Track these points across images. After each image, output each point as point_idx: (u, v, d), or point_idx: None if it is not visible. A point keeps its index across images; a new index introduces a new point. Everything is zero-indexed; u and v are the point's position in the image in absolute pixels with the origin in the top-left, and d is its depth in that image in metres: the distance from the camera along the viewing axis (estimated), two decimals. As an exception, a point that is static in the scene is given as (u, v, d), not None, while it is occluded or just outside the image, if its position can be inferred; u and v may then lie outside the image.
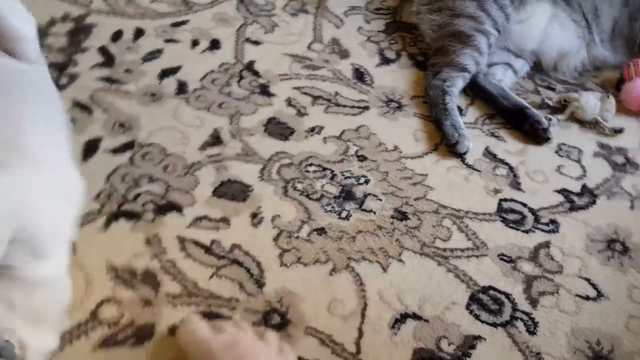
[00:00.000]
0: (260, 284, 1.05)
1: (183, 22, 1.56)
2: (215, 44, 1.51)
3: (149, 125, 1.29)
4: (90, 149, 1.22)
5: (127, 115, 1.30)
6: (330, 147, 1.30)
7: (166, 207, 1.14)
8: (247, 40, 1.54)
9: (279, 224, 1.14)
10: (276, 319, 1.01)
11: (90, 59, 1.42)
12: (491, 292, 1.06)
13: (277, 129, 1.32)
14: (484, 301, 1.05)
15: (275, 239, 1.12)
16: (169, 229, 1.11)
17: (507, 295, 1.06)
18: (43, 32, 1.47)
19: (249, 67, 1.46)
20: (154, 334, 0.97)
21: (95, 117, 1.29)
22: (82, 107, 1.30)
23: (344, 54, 1.54)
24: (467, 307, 1.03)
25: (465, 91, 1.44)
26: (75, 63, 1.40)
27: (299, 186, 1.21)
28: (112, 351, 0.95)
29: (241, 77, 1.43)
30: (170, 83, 1.39)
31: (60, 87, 1.34)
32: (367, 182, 1.23)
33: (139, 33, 1.51)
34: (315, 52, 1.53)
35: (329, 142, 1.31)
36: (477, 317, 1.02)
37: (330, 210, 1.17)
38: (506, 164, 1.29)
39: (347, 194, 1.21)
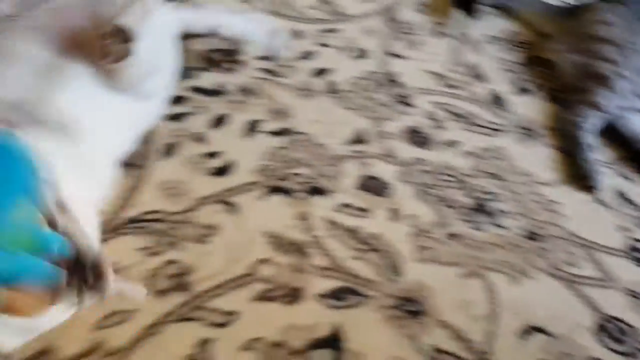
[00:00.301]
0: (397, 272, 1.13)
1: (335, 30, 1.68)
2: (362, 53, 1.62)
3: (302, 116, 1.40)
4: (252, 128, 1.34)
5: (283, 104, 1.42)
6: (466, 161, 1.38)
7: (315, 190, 1.24)
8: (392, 53, 1.64)
9: (415, 223, 1.23)
10: (411, 307, 1.08)
11: (253, 51, 1.55)
12: (618, 322, 1.11)
13: (416, 137, 1.41)
14: (610, 329, 1.09)
15: (413, 235, 1.20)
16: (317, 209, 1.21)
17: (634, 328, 1.10)
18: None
19: (392, 78, 1.56)
20: (304, 297, 1.06)
21: (256, 101, 1.41)
22: (245, 91, 1.43)
23: (481, 78, 1.62)
24: (594, 332, 1.08)
25: (600, 132, 1.49)
26: (241, 52, 1.54)
27: (435, 192, 1.29)
28: (267, 304, 1.04)
29: (385, 86, 1.53)
30: (322, 82, 1.50)
31: (228, 71, 1.47)
32: (500, 199, 1.30)
33: (295, 34, 1.64)
34: (455, 73, 1.62)
35: (465, 157, 1.39)
36: (602, 342, 1.07)
37: (464, 220, 1.25)
38: (636, 205, 1.33)
39: (480, 208, 1.28)
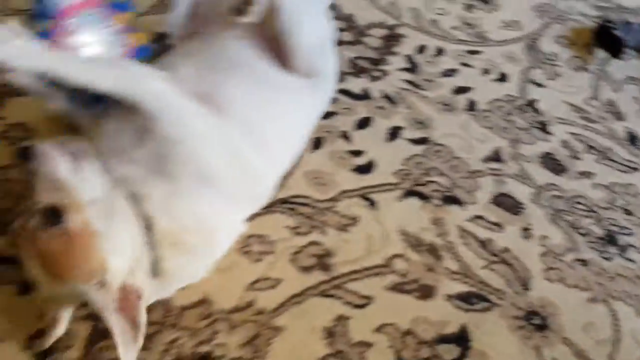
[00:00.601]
0: (526, 287, 1.17)
1: (477, 52, 1.74)
2: (502, 77, 1.67)
3: (441, 128, 1.47)
4: (393, 133, 1.43)
5: (424, 115, 1.50)
6: (599, 193, 1.39)
7: (450, 199, 1.31)
8: (531, 81, 1.68)
9: (546, 244, 1.26)
10: (537, 320, 1.12)
11: (398, 62, 1.64)
12: None
13: (551, 163, 1.45)
14: None
15: (542, 255, 1.24)
16: (451, 216, 1.27)
17: None
18: (362, 33, 1.72)
19: (531, 104, 1.60)
20: (435, 295, 1.12)
21: (399, 109, 1.49)
22: (389, 99, 1.52)
23: (618, 116, 1.62)
24: None
25: None
26: (386, 62, 1.63)
27: (567, 218, 1.32)
28: (400, 295, 1.12)
29: (523, 111, 1.58)
30: (462, 99, 1.57)
31: (374, 79, 1.56)
32: (630, 234, 1.31)
33: (439, 51, 1.71)
34: (592, 107, 1.63)
35: (597, 189, 1.40)
36: None
37: (593, 248, 1.27)
38: None
39: (610, 239, 1.29)
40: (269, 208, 1.20)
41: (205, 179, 0.94)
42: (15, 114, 1.26)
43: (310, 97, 1.19)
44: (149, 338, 0.98)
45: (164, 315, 1.01)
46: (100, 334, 0.97)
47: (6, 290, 1.00)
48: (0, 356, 0.93)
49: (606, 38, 1.82)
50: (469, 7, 1.90)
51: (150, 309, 0.97)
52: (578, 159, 1.47)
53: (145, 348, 0.96)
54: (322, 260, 1.14)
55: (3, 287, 1.00)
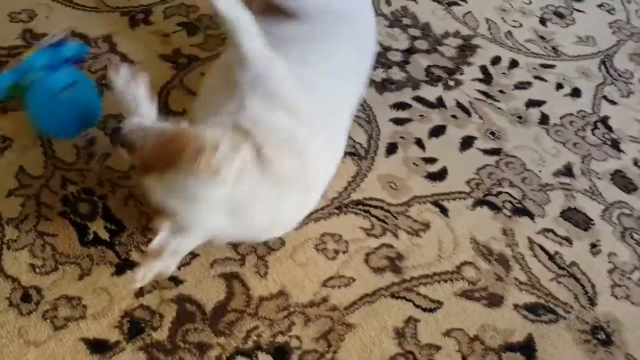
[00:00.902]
0: (592, 302, 1.19)
1: (551, 66, 1.75)
2: (576, 92, 1.68)
3: (513, 140, 1.49)
4: (466, 143, 1.46)
5: (497, 126, 1.52)
6: (672, 215, 1.39)
7: (521, 211, 1.33)
8: (605, 97, 1.68)
9: (614, 261, 1.27)
10: (602, 335, 1.14)
11: (472, 72, 1.67)
12: None
13: (622, 181, 1.45)
14: None
15: (610, 272, 1.25)
16: (521, 227, 1.30)
17: None
18: (437, 42, 1.75)
19: (603, 121, 1.61)
20: (502, 304, 1.15)
21: (472, 119, 1.52)
22: (462, 108, 1.55)
23: (694, 138, 1.61)
24: None
25: None
26: (461, 72, 1.66)
27: (636, 237, 1.33)
28: (468, 302, 1.15)
29: (595, 127, 1.58)
30: (534, 112, 1.59)
31: (448, 88, 1.60)
32: (702, 257, 1.31)
33: (513, 63, 1.73)
34: (666, 128, 1.62)
35: (671, 211, 1.40)
36: None
37: (662, 268, 1.27)
38: None
39: (681, 260, 1.29)
40: (343, 209, 1.25)
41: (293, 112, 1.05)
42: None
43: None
44: (230, 325, 1.05)
45: (244, 304, 1.08)
46: (186, 317, 1.04)
47: (104, 270, 1.08)
48: (97, 331, 1.01)
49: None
50: (543, 21, 1.91)
51: (232, 296, 1.04)
52: (650, 178, 1.47)
53: (226, 334, 1.03)
54: (394, 263, 1.18)
55: (101, 266, 1.08)
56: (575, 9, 2.00)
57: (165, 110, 1.37)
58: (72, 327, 1.00)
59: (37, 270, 1.06)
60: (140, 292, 1.06)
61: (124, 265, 1.09)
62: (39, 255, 1.08)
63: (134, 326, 1.02)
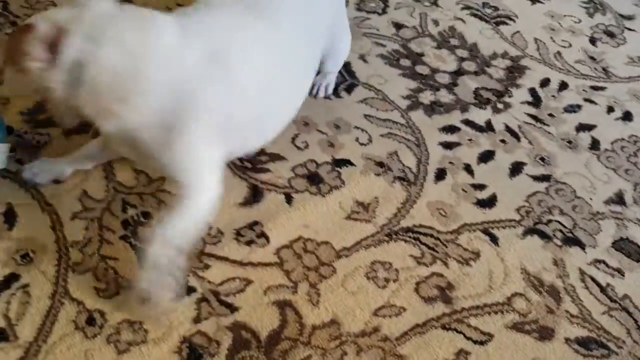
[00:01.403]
0: (645, 337, 1.18)
1: (601, 88, 1.73)
2: (627, 116, 1.66)
3: (564, 166, 1.48)
4: (515, 168, 1.46)
5: (547, 152, 1.51)
6: None
7: (572, 240, 1.33)
8: (657, 121, 1.66)
9: (668, 294, 1.26)
10: (656, 373, 1.13)
11: (521, 95, 1.67)
12: None
13: (677, 211, 1.43)
14: None
15: (664, 305, 1.23)
16: (573, 258, 1.29)
17: None
18: (485, 63, 1.74)
19: (656, 146, 1.58)
20: (553, 337, 1.15)
21: (521, 144, 1.52)
22: (512, 132, 1.55)
23: None
24: None
25: None
26: (510, 94, 1.65)
27: (691, 269, 1.31)
28: (519, 335, 1.15)
29: (647, 153, 1.56)
30: (585, 137, 1.57)
31: (497, 111, 1.59)
32: None
33: (563, 86, 1.72)
34: None
35: None
36: None
37: None
38: None
39: None
40: (394, 236, 1.27)
41: None
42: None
43: None
44: (284, 353, 1.07)
45: (297, 333, 1.10)
46: (242, 344, 1.07)
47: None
48: (158, 356, 1.05)
49: None
50: (593, 40, 1.89)
51: (285, 324, 1.07)
52: None
53: (280, 361, 1.05)
54: (445, 293, 1.19)
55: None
56: (626, 28, 1.97)
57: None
58: (135, 352, 1.04)
59: (101, 294, 1.10)
60: (197, 318, 1.09)
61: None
62: (102, 278, 1.12)
63: (193, 352, 1.05)
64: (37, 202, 1.20)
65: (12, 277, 1.10)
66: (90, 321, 1.06)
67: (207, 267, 1.16)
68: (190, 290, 1.13)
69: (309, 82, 1.35)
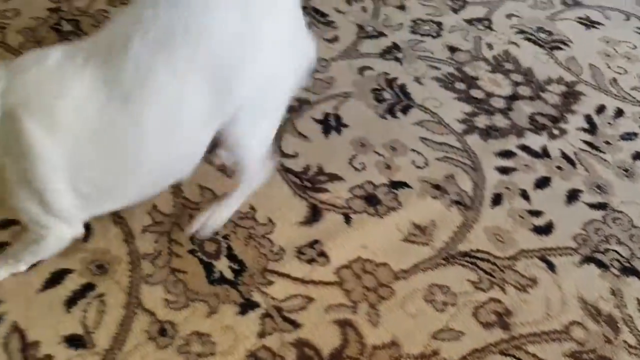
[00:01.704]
0: None
1: (657, 116, 1.73)
2: (684, 145, 1.65)
3: (621, 195, 1.49)
4: (572, 196, 1.47)
5: (603, 179, 1.52)
6: None
7: (629, 270, 1.33)
8: None
9: None
10: None
11: (577, 121, 1.68)
12: None
13: None
14: None
15: None
16: (630, 288, 1.30)
17: None
18: (540, 88, 1.76)
19: None
20: (614, 368, 1.16)
21: (577, 171, 1.53)
22: (567, 159, 1.56)
23: None
24: None
25: None
26: (565, 121, 1.67)
27: None
28: (577, 364, 1.16)
29: None
30: (641, 165, 1.57)
31: (552, 136, 1.61)
32: None
33: (619, 113, 1.72)
34: None
35: None
36: None
37: None
38: None
39: None
40: (451, 260, 1.29)
41: None
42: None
43: None
44: (345, 371, 1.10)
45: (358, 352, 1.13)
46: (306, 361, 1.10)
47: (229, 309, 1.16)
48: (225, 369, 1.09)
49: None
50: (651, 67, 1.89)
51: (346, 343, 1.10)
52: None
53: (342, 380, 1.08)
54: (502, 319, 1.21)
55: (227, 305, 1.16)
56: (682, 54, 1.96)
57: (280, 153, 1.45)
58: (204, 364, 1.08)
59: (171, 305, 1.14)
60: (262, 333, 1.13)
61: (247, 305, 1.17)
62: (172, 291, 1.17)
63: (259, 367, 1.09)
64: (110, 216, 1.26)
65: (89, 287, 1.15)
66: (162, 332, 1.11)
67: (270, 283, 1.20)
68: (254, 305, 1.16)
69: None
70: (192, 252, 1.23)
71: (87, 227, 1.23)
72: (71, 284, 1.15)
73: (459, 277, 1.27)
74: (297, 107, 1.57)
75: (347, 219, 1.34)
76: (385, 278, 1.25)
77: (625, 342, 1.20)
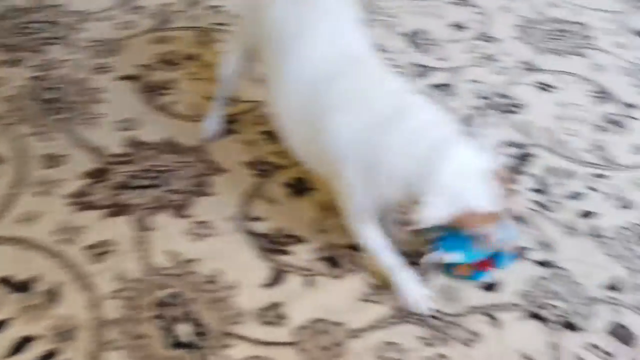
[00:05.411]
0: (635, 422, 1.27)
1: (605, 176, 1.86)
2: (629, 204, 1.77)
3: (564, 252, 1.61)
4: (520, 254, 1.58)
5: (549, 237, 1.64)
6: None
7: (568, 324, 1.44)
8: (663, 210, 1.76)
9: (657, 379, 1.35)
10: None
11: (527, 182, 1.80)
12: None
13: (672, 298, 1.53)
14: None
15: (653, 390, 1.33)
16: (568, 342, 1.41)
17: None
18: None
19: (656, 233, 1.69)
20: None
21: (527, 230, 1.65)
22: (517, 218, 1.67)
23: None
24: None
25: None
26: (517, 182, 1.79)
27: (683, 355, 1.40)
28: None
29: (645, 240, 1.67)
30: (586, 224, 1.69)
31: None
32: None
33: (568, 173, 1.85)
34: None
35: None
36: None
37: None
38: None
39: None
40: (405, 317, 1.40)
41: None
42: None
43: None
44: None
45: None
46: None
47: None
48: None
49: None
50: (600, 129, 2.02)
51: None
52: (701, 294, 1.54)
53: None
54: (448, 374, 1.31)
55: (191, 366, 1.26)
56: (632, 117, 2.10)
57: (247, 216, 1.58)
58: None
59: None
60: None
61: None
62: (134, 356, 1.27)
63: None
64: (77, 281, 1.37)
65: (54, 352, 1.25)
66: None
67: (230, 346, 1.31)
68: (217, 365, 1.26)
69: None
70: (155, 317, 1.34)
71: (52, 293, 1.34)
72: (36, 350, 1.25)
73: (410, 334, 1.38)
74: (267, 171, 1.70)
75: (309, 281, 1.45)
76: (341, 337, 1.35)
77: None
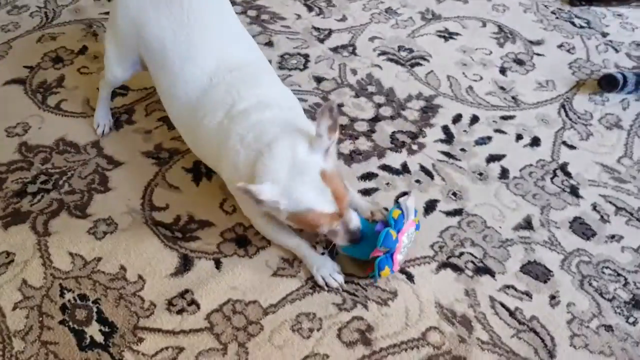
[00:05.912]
0: (552, 354, 1.29)
1: (511, 117, 1.86)
2: (535, 141, 1.79)
3: (475, 199, 1.61)
4: (429, 207, 1.58)
5: (459, 186, 1.64)
6: (627, 256, 1.49)
7: (482, 269, 1.44)
8: (564, 143, 1.79)
9: (572, 311, 1.38)
10: (562, 387, 1.24)
11: (435, 134, 1.79)
12: None
13: (581, 228, 1.55)
14: None
15: (569, 322, 1.35)
16: (483, 287, 1.41)
17: None
18: (401, 106, 1.87)
19: (563, 167, 1.71)
20: (466, 366, 1.26)
21: (435, 182, 1.64)
22: (426, 172, 1.67)
23: (651, 174, 1.70)
24: None
25: None
26: (423, 135, 1.78)
27: (594, 283, 1.43)
28: (434, 368, 1.26)
29: (554, 175, 1.69)
30: (495, 167, 1.70)
31: (411, 152, 1.72)
32: (658, 297, 1.40)
33: (474, 119, 1.85)
34: (624, 167, 1.72)
35: (626, 252, 1.50)
36: None
37: (619, 313, 1.37)
38: None
39: (637, 303, 1.39)
40: (317, 287, 1.37)
41: None
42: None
43: None
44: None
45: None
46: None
47: None
48: None
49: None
50: (503, 70, 2.03)
51: None
52: (607, 222, 1.57)
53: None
54: (364, 335, 1.30)
55: None
56: (535, 53, 2.11)
57: (150, 207, 1.52)
58: None
59: (42, 379, 1.19)
60: (134, 390, 1.19)
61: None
62: (43, 364, 1.22)
63: None
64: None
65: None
66: (33, 407, 1.15)
67: (141, 340, 1.26)
68: (127, 364, 1.22)
69: None
70: (62, 322, 1.28)
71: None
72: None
73: (324, 301, 1.36)
74: (167, 159, 1.64)
75: (218, 264, 1.41)
76: (255, 315, 1.33)
77: (478, 339, 1.31)
